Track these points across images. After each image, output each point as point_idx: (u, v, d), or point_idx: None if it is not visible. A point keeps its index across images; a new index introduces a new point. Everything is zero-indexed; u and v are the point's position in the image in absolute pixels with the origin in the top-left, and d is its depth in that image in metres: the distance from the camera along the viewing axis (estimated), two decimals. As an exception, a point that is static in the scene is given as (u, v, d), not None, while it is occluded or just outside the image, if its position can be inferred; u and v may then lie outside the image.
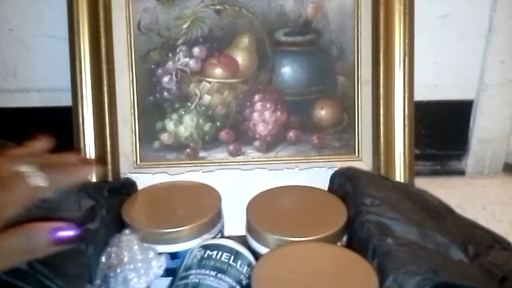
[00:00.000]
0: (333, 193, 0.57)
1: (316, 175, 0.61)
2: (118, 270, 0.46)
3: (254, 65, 0.64)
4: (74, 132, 0.61)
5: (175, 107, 0.63)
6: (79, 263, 0.43)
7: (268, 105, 0.64)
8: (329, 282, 0.42)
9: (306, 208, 0.55)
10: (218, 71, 0.63)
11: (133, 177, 0.60)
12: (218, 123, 0.64)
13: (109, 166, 0.61)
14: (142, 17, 0.62)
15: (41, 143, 0.39)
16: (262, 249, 0.49)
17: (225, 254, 0.46)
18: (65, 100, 0.65)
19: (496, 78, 0.71)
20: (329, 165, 0.62)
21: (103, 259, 0.47)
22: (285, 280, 0.42)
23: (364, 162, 0.63)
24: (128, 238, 0.48)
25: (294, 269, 0.43)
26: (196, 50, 0.63)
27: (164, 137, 0.64)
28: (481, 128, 0.73)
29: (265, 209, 0.54)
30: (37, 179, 0.33)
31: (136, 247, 0.47)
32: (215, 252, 0.46)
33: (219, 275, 0.44)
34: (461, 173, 0.76)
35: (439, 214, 0.51)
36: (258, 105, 0.64)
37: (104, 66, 0.61)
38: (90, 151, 0.60)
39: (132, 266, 0.46)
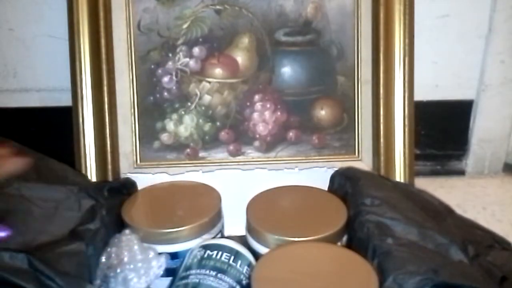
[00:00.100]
0: (333, 193, 0.57)
1: (316, 175, 0.61)
2: (118, 270, 0.46)
3: (254, 65, 0.64)
4: (74, 132, 0.61)
5: (175, 107, 0.63)
6: (79, 263, 0.43)
7: (268, 105, 0.64)
8: (329, 282, 0.42)
9: (306, 208, 0.55)
10: (218, 71, 0.63)
11: (133, 177, 0.60)
12: (218, 123, 0.64)
13: (109, 166, 0.61)
14: (142, 17, 0.63)
15: None
16: (262, 249, 0.49)
17: (225, 254, 0.46)
18: (65, 100, 0.65)
19: (496, 78, 0.71)
20: (329, 165, 0.62)
21: (103, 259, 0.47)
22: (285, 280, 0.42)
23: (364, 162, 0.63)
24: (128, 238, 0.48)
25: (294, 269, 0.43)
26: (196, 50, 0.63)
27: (164, 137, 0.64)
28: (481, 128, 0.73)
29: (265, 209, 0.54)
30: None
31: (136, 247, 0.47)
32: (215, 252, 0.46)
33: (219, 275, 0.44)
34: (461, 173, 0.76)
35: (439, 214, 0.51)
36: (258, 105, 0.64)
37: (104, 66, 0.61)
38: (90, 151, 0.60)
39: (132, 266, 0.46)
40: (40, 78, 0.71)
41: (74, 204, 0.49)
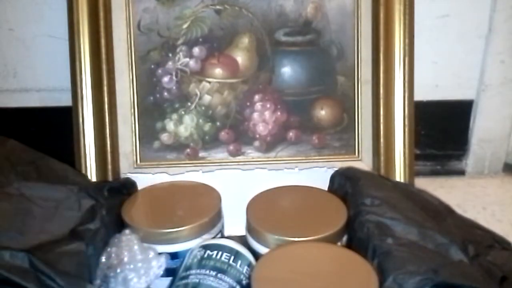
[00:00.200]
0: (333, 193, 0.57)
1: (316, 175, 0.61)
2: (118, 270, 0.46)
3: (254, 65, 0.64)
4: (74, 132, 0.61)
5: (175, 107, 0.63)
6: (79, 263, 0.43)
7: (268, 105, 0.64)
8: (329, 282, 0.42)
9: (306, 208, 0.55)
10: (218, 71, 0.63)
11: (133, 177, 0.60)
12: (218, 123, 0.64)
13: (109, 166, 0.61)
14: (142, 17, 0.63)
15: None
16: (262, 249, 0.49)
17: (225, 254, 0.46)
18: (65, 100, 0.65)
19: (496, 78, 0.71)
20: (329, 165, 0.62)
21: (103, 259, 0.47)
22: (285, 280, 0.42)
23: (364, 162, 0.63)
24: (128, 238, 0.48)
25: (294, 269, 0.43)
26: (196, 50, 0.63)
27: (164, 137, 0.64)
28: (481, 128, 0.73)
29: (265, 209, 0.54)
30: None
31: (136, 247, 0.47)
32: (215, 252, 0.46)
33: (219, 275, 0.44)
34: (461, 173, 0.76)
35: (439, 214, 0.51)
36: (258, 105, 0.64)
37: (104, 66, 0.61)
38: (90, 151, 0.60)
39: (132, 266, 0.46)
40: (40, 78, 0.71)
41: (74, 204, 0.49)
